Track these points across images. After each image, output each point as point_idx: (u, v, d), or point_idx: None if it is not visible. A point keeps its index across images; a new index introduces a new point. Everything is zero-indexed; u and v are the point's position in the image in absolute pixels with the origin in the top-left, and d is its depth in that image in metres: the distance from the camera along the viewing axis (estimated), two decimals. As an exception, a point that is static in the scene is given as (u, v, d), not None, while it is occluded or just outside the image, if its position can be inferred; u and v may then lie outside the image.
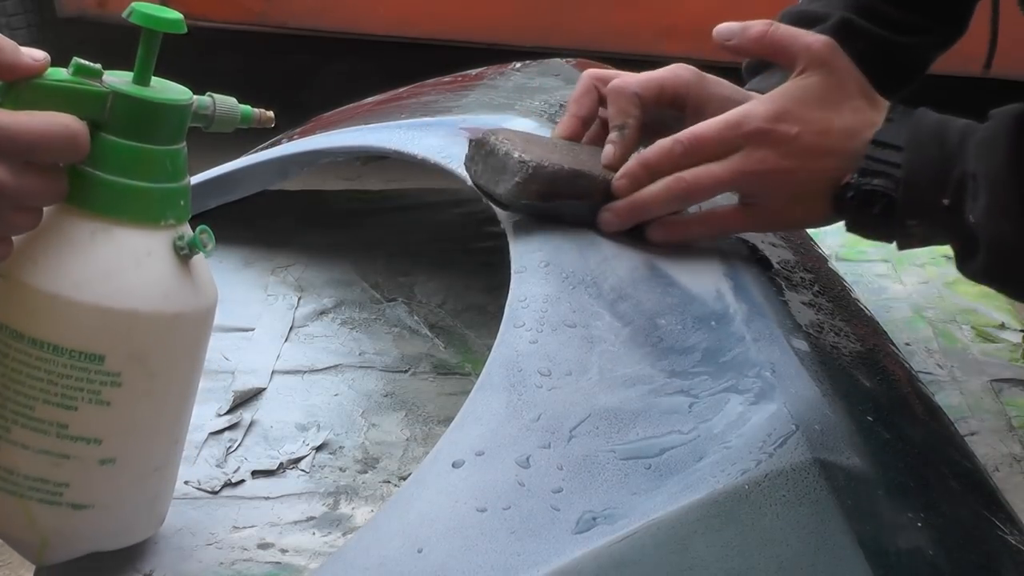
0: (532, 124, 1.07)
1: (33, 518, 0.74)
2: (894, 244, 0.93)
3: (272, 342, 1.07)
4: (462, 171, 0.96)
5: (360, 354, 1.06)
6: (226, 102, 0.78)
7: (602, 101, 0.97)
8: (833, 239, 1.32)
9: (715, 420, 0.78)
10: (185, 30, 0.73)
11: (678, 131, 0.93)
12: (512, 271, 0.88)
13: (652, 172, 0.92)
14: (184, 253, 0.74)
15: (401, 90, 1.34)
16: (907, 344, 1.17)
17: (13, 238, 0.72)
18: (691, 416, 0.78)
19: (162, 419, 0.77)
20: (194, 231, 0.75)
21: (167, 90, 0.75)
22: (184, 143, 0.75)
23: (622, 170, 0.92)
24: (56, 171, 0.71)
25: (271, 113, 0.80)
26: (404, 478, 0.90)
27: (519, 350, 0.81)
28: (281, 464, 0.91)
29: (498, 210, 0.94)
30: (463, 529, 0.71)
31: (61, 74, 0.72)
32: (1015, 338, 1.17)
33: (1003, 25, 3.10)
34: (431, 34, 3.22)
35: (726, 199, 0.95)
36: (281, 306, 1.13)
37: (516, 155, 0.90)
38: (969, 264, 0.89)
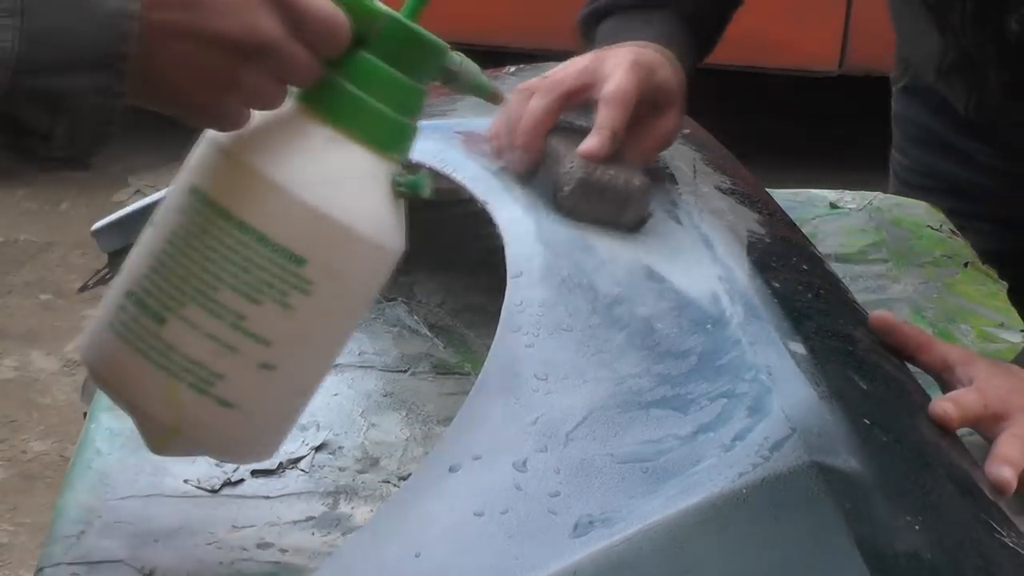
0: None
1: (177, 400, 0.72)
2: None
3: (272, 342, 1.07)
4: (457, 175, 0.97)
5: (360, 354, 1.06)
6: (471, 67, 0.79)
7: None
8: (833, 239, 1.31)
9: (712, 424, 0.78)
10: None
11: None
12: (508, 275, 0.88)
13: None
14: (401, 190, 0.74)
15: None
16: (907, 344, 1.17)
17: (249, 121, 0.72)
18: (688, 420, 0.78)
19: (329, 345, 0.75)
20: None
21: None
22: (427, 87, 0.76)
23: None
24: (314, 55, 0.72)
25: (504, 94, 0.81)
26: (404, 478, 0.90)
27: (516, 354, 0.81)
28: (281, 464, 0.91)
29: (496, 215, 0.94)
30: (460, 533, 0.71)
31: None
32: (1015, 338, 1.17)
33: (855, 21, 3.09)
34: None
35: None
36: (281, 306, 1.13)
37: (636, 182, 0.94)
38: None
